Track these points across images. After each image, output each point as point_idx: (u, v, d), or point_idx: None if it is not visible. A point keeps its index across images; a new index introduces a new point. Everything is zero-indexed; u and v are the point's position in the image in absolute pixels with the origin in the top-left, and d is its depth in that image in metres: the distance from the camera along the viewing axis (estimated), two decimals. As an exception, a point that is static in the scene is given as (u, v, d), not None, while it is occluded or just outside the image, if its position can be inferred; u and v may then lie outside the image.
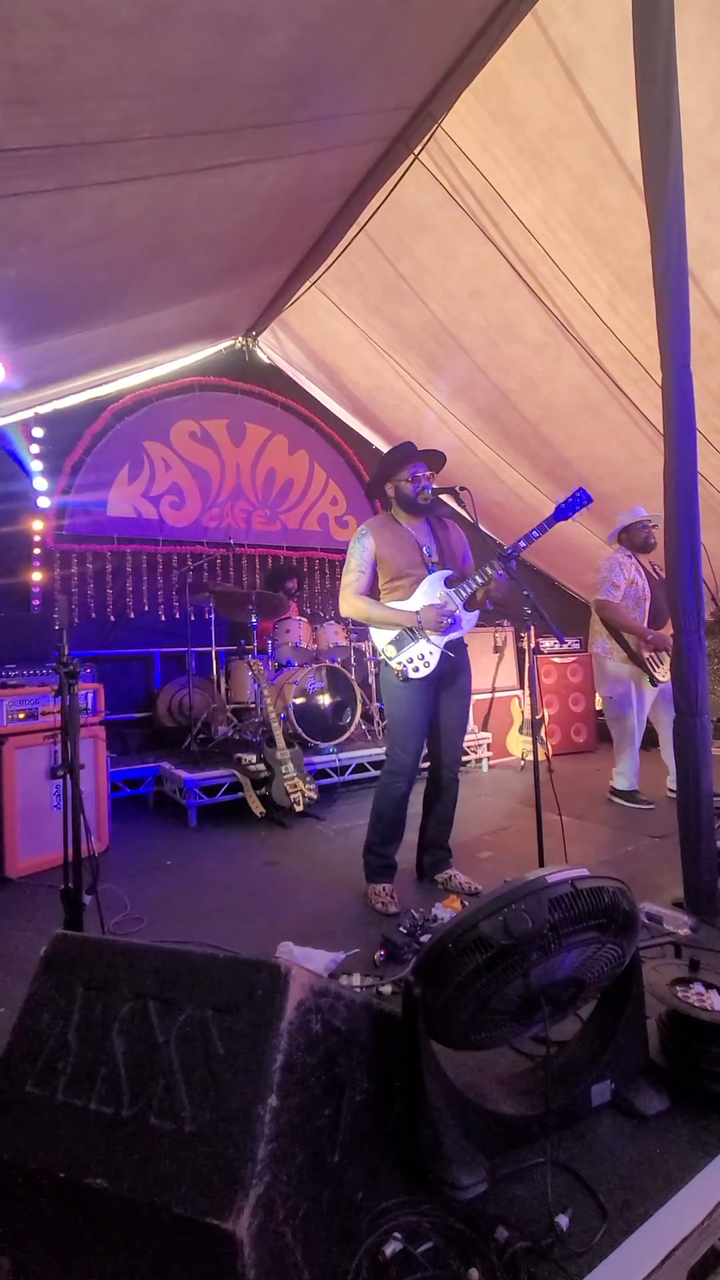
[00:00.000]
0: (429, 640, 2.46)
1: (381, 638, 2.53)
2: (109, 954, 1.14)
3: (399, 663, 2.46)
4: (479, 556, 2.64)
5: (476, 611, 2.55)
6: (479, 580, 2.44)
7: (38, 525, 4.47)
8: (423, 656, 2.46)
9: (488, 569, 2.41)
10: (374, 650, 2.56)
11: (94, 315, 3.28)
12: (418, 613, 2.45)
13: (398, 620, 2.48)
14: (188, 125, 2.15)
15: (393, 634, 2.49)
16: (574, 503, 2.33)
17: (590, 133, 2.73)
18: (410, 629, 2.47)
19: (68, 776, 1.87)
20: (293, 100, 2.35)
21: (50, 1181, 0.95)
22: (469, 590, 2.47)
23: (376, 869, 2.56)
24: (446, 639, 2.48)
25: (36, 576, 4.44)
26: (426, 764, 2.73)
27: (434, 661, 2.46)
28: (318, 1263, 0.96)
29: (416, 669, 2.45)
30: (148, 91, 1.88)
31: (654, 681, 3.61)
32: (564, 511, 2.32)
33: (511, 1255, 1.04)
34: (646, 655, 3.60)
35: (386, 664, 2.51)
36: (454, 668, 2.56)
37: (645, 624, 3.61)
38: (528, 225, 3.21)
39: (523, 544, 2.37)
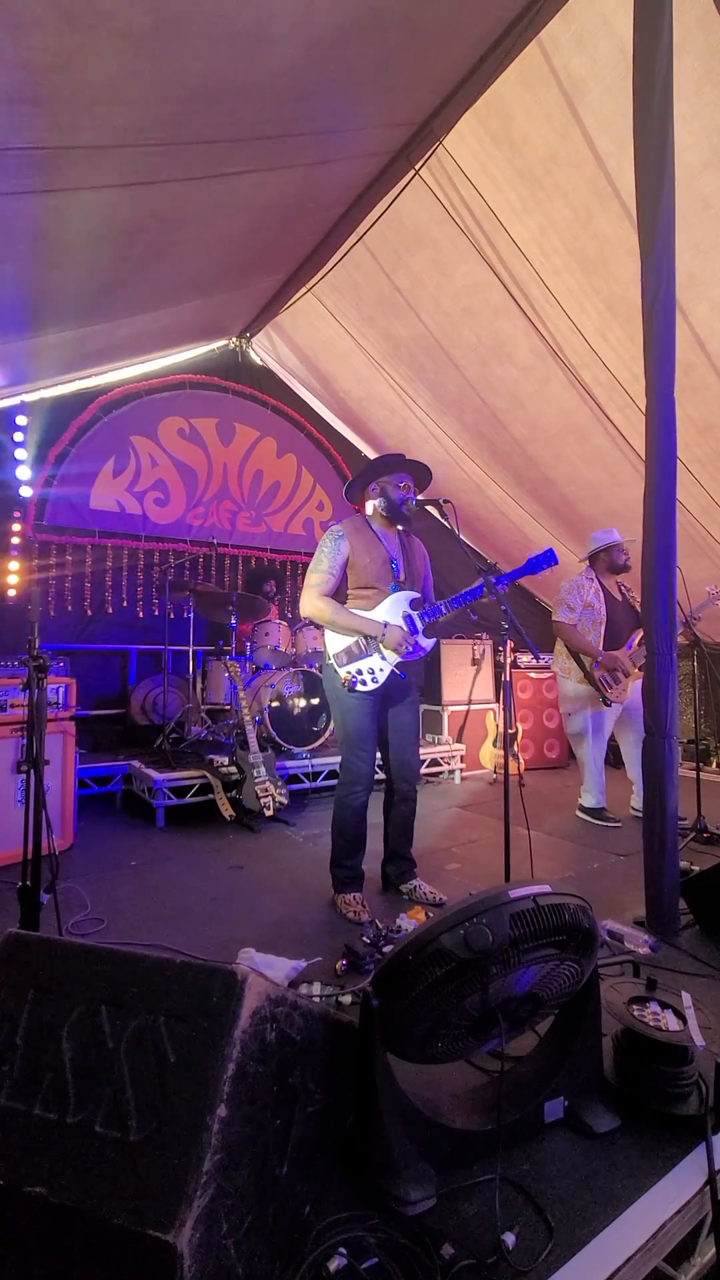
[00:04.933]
0: (383, 657, 2.45)
1: (336, 643, 2.49)
2: (62, 955, 1.12)
3: (348, 672, 2.43)
4: (458, 570, 2.66)
5: (434, 638, 2.57)
6: (445, 609, 2.47)
7: (18, 515, 4.40)
8: (372, 671, 2.44)
9: (483, 591, 2.33)
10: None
11: (89, 313, 3.25)
12: (384, 625, 2.44)
13: (362, 629, 2.45)
14: (194, 134, 2.15)
15: (349, 641, 2.46)
16: (542, 559, 2.41)
17: (587, 162, 2.79)
18: (370, 638, 2.45)
19: (31, 772, 1.83)
20: (299, 114, 2.36)
21: (-13, 1189, 0.92)
22: (430, 619, 2.50)
23: (345, 880, 2.55)
24: (400, 660, 2.48)
25: (14, 566, 4.37)
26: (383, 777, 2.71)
27: (382, 679, 2.45)
28: (260, 1278, 0.95)
29: (364, 682, 2.43)
30: (155, 99, 1.87)
31: (606, 702, 3.67)
32: (534, 565, 2.40)
33: (456, 1273, 1.03)
34: (599, 676, 3.65)
35: (334, 671, 2.48)
36: (403, 686, 2.55)
37: (600, 646, 3.67)
38: (522, 248, 3.26)
39: (502, 586, 2.34)
